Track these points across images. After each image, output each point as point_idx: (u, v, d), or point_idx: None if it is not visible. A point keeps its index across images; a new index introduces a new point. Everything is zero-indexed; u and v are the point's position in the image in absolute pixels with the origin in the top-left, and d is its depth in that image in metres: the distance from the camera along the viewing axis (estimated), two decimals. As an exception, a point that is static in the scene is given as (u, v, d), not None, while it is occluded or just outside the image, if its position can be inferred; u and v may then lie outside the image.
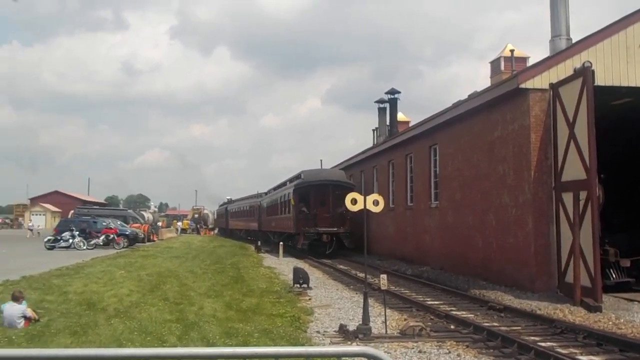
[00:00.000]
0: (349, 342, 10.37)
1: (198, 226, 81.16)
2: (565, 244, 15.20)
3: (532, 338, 10.78)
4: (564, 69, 15.85)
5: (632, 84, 15.99)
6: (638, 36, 15.99)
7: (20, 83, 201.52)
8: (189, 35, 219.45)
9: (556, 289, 15.50)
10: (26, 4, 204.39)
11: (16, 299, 11.15)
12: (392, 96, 37.41)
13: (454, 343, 10.35)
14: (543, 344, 10.10)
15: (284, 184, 40.12)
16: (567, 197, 15.15)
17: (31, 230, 58.06)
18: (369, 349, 3.86)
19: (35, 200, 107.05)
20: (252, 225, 51.09)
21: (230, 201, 70.98)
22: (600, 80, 15.20)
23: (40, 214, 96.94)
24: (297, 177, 35.76)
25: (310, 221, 32.13)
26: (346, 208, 31.24)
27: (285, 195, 35.92)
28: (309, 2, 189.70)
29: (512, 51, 25.77)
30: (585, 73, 14.49)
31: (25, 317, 10.92)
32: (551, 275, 15.74)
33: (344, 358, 4.42)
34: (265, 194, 47.63)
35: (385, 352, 9.67)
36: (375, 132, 41.19)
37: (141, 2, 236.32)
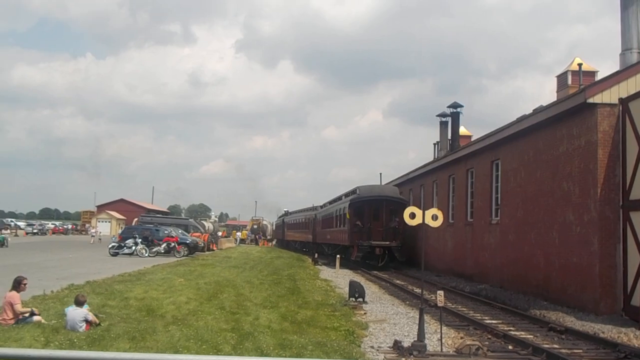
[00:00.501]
0: (404, 359, 10.21)
1: (257, 237, 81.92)
2: (633, 265, 14.58)
3: (596, 362, 10.37)
4: (634, 84, 15.31)
5: None
6: None
7: (92, 94, 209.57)
8: (254, 49, 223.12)
9: (621, 312, 14.88)
10: (101, 18, 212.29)
11: (79, 303, 11.48)
12: (455, 110, 36.89)
13: (512, 364, 10.05)
14: (607, 369, 9.69)
15: (339, 199, 41.41)
16: (636, 217, 14.56)
17: (93, 236, 60.61)
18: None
19: (101, 208, 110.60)
20: (307, 237, 52.81)
21: (287, 213, 72.54)
22: (673, 95, 14.59)
23: (105, 221, 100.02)
24: (353, 192, 36.92)
25: (364, 234, 33.32)
26: (399, 222, 31.92)
27: (341, 209, 37.18)
28: (373, 15, 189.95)
29: (580, 65, 24.98)
30: (656, 88, 13.94)
31: (87, 321, 11.22)
32: (616, 297, 15.12)
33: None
34: (321, 207, 49.27)
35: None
36: (436, 146, 40.69)
37: (209, 16, 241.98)
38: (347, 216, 34.49)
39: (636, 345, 11.88)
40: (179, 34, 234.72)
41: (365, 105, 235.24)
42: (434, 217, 11.92)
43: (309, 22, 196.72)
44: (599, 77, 23.57)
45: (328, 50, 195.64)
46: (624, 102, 15.29)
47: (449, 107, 37.40)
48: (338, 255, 33.88)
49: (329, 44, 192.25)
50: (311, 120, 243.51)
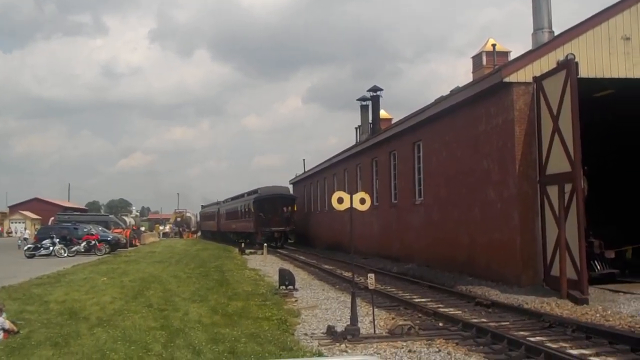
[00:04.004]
0: (338, 344, 10.18)
1: (181, 229, 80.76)
2: (551, 237, 15.13)
3: (522, 333, 10.69)
4: (547, 62, 15.76)
5: (615, 76, 15.97)
6: (620, 27, 15.97)
7: None
8: (169, 38, 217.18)
9: (542, 282, 15.44)
10: (4, 11, 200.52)
11: (-6, 310, 10.82)
12: (375, 94, 37.29)
13: (443, 341, 10.20)
14: (533, 339, 10.00)
15: (241, 196, 52.91)
16: (552, 191, 15.08)
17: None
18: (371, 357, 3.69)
19: (14, 208, 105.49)
20: (213, 226, 66.11)
21: (203, 207, 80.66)
22: (584, 72, 15.14)
23: (19, 222, 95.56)
24: (255, 192, 47.96)
25: (266, 223, 43.81)
26: (290, 212, 44.69)
27: (246, 204, 48.53)
28: (290, 3, 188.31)
29: (494, 46, 25.75)
30: (568, 65, 14.42)
31: (4, 330, 10.59)
32: (537, 269, 15.67)
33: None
34: (223, 202, 62.87)
35: (375, 352, 9.51)
36: (357, 130, 41.04)
37: (120, 6, 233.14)
38: (253, 209, 45.09)
39: (558, 313, 12.35)
40: (89, 24, 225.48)
41: (285, 92, 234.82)
42: (362, 201, 11.91)
43: (225, 10, 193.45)
44: (512, 57, 24.33)
45: (245, 39, 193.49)
46: (538, 80, 15.77)
47: (368, 90, 37.80)
48: (265, 244, 34.91)
49: (246, 32, 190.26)
50: (230, 109, 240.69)
